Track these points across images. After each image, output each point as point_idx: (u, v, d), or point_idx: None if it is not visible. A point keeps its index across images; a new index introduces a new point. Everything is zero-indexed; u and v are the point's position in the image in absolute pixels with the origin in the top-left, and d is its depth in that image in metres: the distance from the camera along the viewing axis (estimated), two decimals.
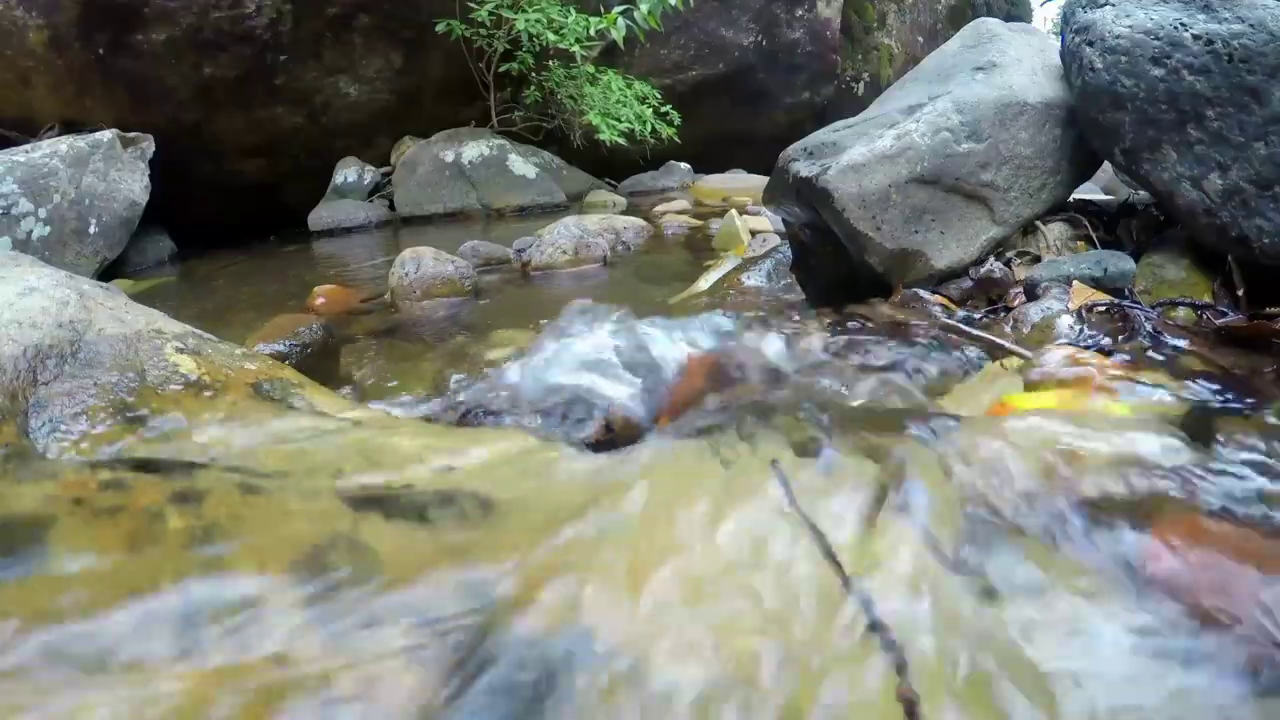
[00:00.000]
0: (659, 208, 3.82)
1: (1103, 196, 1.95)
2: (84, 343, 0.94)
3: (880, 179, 1.39)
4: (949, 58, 1.66)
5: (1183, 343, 1.10)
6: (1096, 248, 1.46)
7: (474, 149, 4.65)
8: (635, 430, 1.05)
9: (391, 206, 4.57)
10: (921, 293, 1.41)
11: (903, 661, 0.51)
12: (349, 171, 4.77)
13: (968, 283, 1.44)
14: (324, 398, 1.04)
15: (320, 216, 4.40)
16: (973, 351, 1.20)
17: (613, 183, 5.15)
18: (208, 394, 0.93)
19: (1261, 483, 0.70)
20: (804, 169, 1.46)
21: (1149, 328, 1.15)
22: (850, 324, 1.34)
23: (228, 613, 0.52)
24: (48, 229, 3.24)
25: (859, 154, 1.41)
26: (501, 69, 4.73)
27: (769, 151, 1.96)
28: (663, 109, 5.04)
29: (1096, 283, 1.31)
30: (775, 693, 0.50)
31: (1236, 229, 1.18)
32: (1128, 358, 1.06)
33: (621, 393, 1.13)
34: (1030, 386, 1.01)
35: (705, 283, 2.14)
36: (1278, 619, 0.54)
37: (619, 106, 4.81)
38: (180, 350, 1.00)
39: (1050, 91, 1.50)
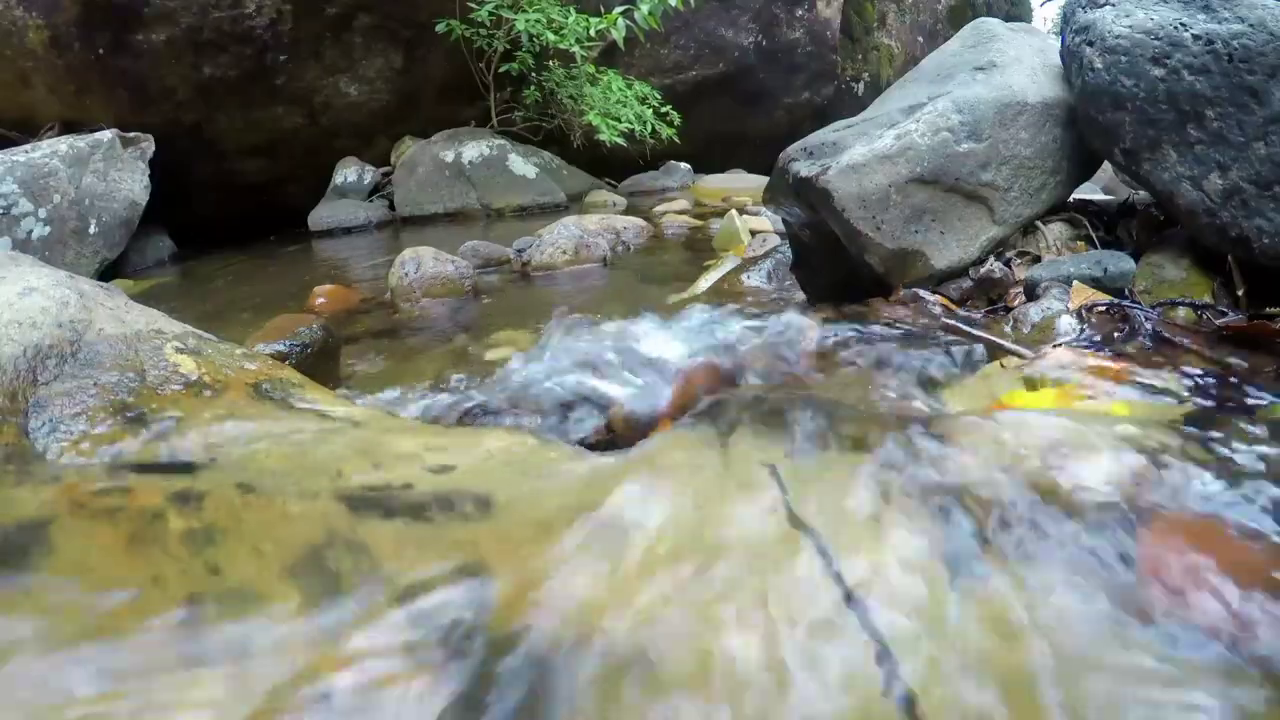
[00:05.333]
0: (659, 208, 3.82)
1: (1103, 196, 1.95)
2: (84, 343, 0.94)
3: (880, 179, 1.39)
4: (949, 58, 1.66)
5: (1183, 343, 1.10)
6: (1096, 248, 1.46)
7: (474, 149, 4.65)
8: (635, 430, 1.05)
9: (391, 206, 4.57)
10: (921, 293, 1.41)
11: (894, 665, 0.51)
12: (349, 171, 4.77)
13: (968, 283, 1.44)
14: (324, 398, 1.04)
15: (320, 216, 4.40)
16: (973, 351, 1.20)
17: (613, 183, 5.15)
18: (208, 394, 0.93)
19: (1261, 484, 0.70)
20: (804, 169, 1.46)
21: (1149, 328, 1.15)
22: (850, 324, 1.34)
23: (228, 613, 0.52)
24: (48, 229, 3.24)
25: (859, 154, 1.41)
26: (501, 69, 4.73)
27: (769, 151, 1.96)
28: (663, 109, 5.04)
29: (1096, 283, 1.31)
30: (767, 691, 0.50)
31: (1237, 229, 1.18)
32: (1128, 358, 1.06)
33: (621, 393, 1.13)
34: (1030, 386, 1.01)
35: (705, 283, 2.14)
36: (1271, 619, 0.54)
37: (619, 107, 4.81)
38: (180, 350, 1.00)
39: (1050, 91, 1.50)
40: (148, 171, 3.75)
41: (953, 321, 1.31)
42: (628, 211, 3.77)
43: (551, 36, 4.43)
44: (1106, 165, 1.60)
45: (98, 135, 3.61)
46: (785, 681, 0.50)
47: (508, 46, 4.62)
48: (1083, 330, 1.20)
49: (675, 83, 5.58)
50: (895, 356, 1.18)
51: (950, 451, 0.74)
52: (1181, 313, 1.21)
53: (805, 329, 1.33)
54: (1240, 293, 1.22)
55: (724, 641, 0.53)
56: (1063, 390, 0.96)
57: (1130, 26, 1.28)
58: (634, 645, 0.52)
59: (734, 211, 2.97)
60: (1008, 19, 2.29)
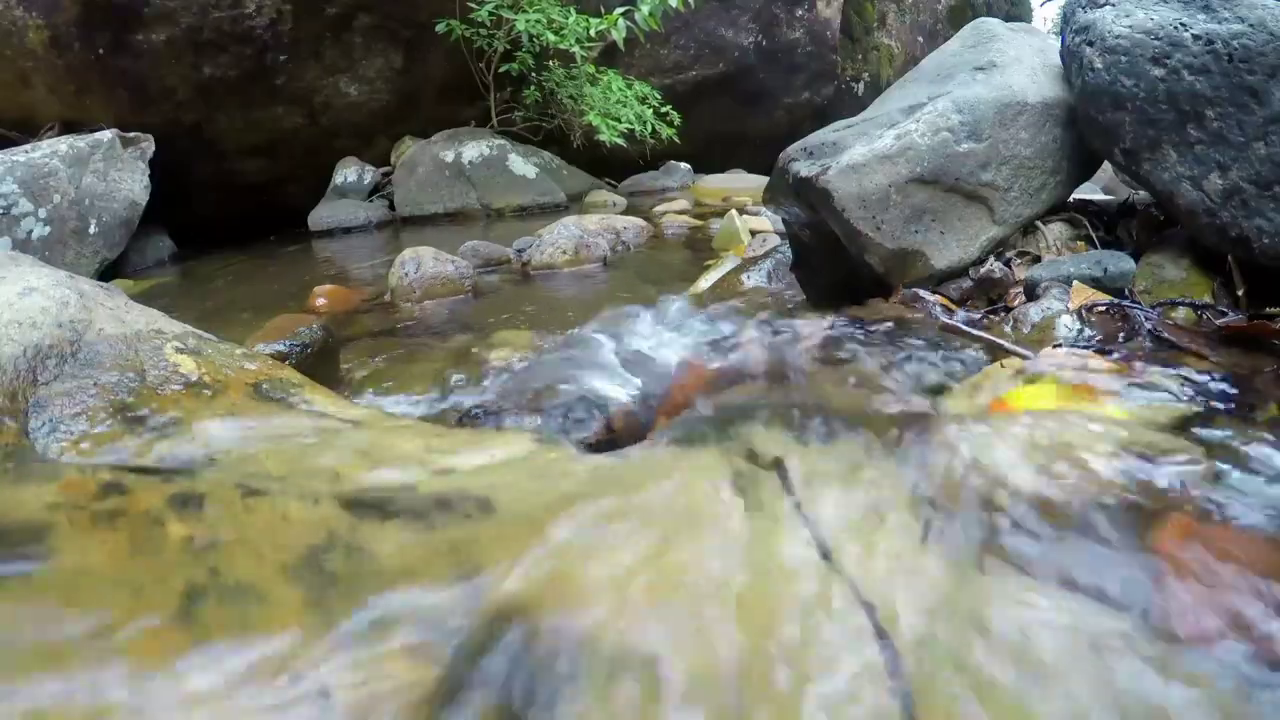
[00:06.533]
0: (659, 208, 3.82)
1: (1103, 196, 1.95)
2: (84, 343, 0.94)
3: (880, 179, 1.39)
4: (949, 58, 1.66)
5: (1183, 343, 1.10)
6: (1096, 248, 1.46)
7: (474, 149, 4.65)
8: (636, 430, 1.05)
9: (391, 206, 4.57)
10: (921, 293, 1.41)
11: (897, 662, 0.51)
12: (349, 171, 4.77)
13: (968, 283, 1.44)
14: (324, 398, 1.04)
15: (320, 216, 4.40)
16: (973, 352, 1.20)
17: (613, 183, 5.15)
18: (208, 394, 0.93)
19: (1260, 484, 0.70)
20: (804, 169, 1.46)
21: (1149, 328, 1.15)
22: (850, 324, 1.34)
23: (227, 614, 0.52)
24: (48, 229, 3.24)
25: (859, 154, 1.41)
26: (501, 69, 4.73)
27: (769, 151, 1.96)
28: (663, 109, 5.04)
29: (1096, 283, 1.30)
30: (771, 692, 0.50)
31: (1236, 229, 1.18)
32: (1127, 358, 1.06)
33: (622, 393, 1.13)
34: (1030, 386, 1.01)
35: (705, 283, 2.14)
36: (1276, 621, 0.54)
37: (619, 107, 4.81)
38: (180, 350, 1.00)
39: (1050, 91, 1.50)
40: (148, 171, 3.75)
41: (953, 322, 1.31)
42: (628, 211, 3.77)
43: (551, 37, 4.43)
44: (1106, 165, 1.60)
45: (98, 135, 3.61)
46: (777, 679, 0.51)
47: (508, 46, 4.62)
48: (1083, 330, 1.20)
49: (675, 83, 5.58)
50: (895, 357, 1.18)
51: (950, 452, 0.74)
52: (1181, 313, 1.21)
53: (805, 329, 1.33)
54: (1240, 293, 1.22)
55: (717, 643, 0.53)
56: (1063, 390, 0.96)
57: (1130, 26, 1.28)
58: (633, 646, 0.52)
59: (734, 211, 2.97)
60: (1008, 19, 2.29)
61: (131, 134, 3.77)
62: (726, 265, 2.26)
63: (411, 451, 0.82)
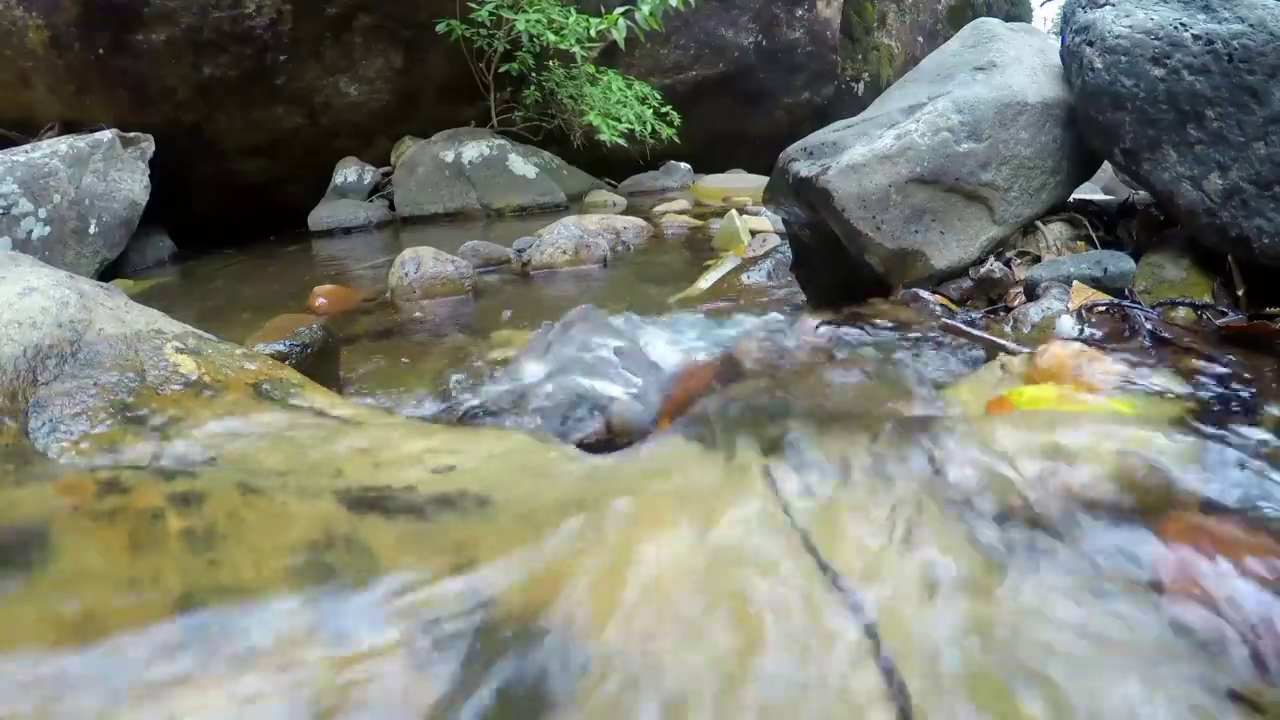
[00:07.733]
0: (659, 208, 3.82)
1: (1103, 196, 1.95)
2: (84, 343, 0.94)
3: (880, 179, 1.39)
4: (949, 58, 1.66)
5: (1183, 342, 1.10)
6: (1096, 248, 1.46)
7: (474, 149, 4.65)
8: (635, 430, 1.05)
9: (391, 206, 4.57)
10: (921, 293, 1.41)
11: (892, 667, 0.51)
12: (349, 171, 4.77)
13: (968, 283, 1.44)
14: (324, 398, 1.04)
15: (320, 216, 4.40)
16: (973, 351, 1.20)
17: (613, 183, 5.15)
18: (208, 394, 0.93)
19: (1261, 482, 0.70)
20: (804, 169, 1.46)
21: (1149, 328, 1.15)
22: (850, 324, 1.34)
23: (228, 613, 0.52)
24: (48, 229, 3.24)
25: (859, 154, 1.41)
26: (501, 69, 4.74)
27: (769, 151, 1.96)
28: (663, 109, 5.04)
29: (1096, 283, 1.31)
30: (764, 694, 0.50)
31: (1236, 229, 1.18)
32: (1127, 357, 1.06)
33: (621, 393, 1.13)
34: (1030, 385, 1.01)
35: (705, 283, 2.14)
36: (1276, 618, 0.54)
37: (619, 107, 4.81)
38: (180, 350, 1.00)
39: (1050, 91, 1.50)
40: (148, 171, 3.75)
41: (952, 321, 1.31)
42: (628, 211, 3.77)
43: (552, 37, 4.43)
44: (1106, 165, 1.60)
45: (98, 135, 3.61)
46: (775, 681, 0.51)
47: (508, 46, 4.63)
48: (1083, 330, 1.20)
49: (675, 83, 5.58)
50: (895, 356, 1.18)
51: (949, 451, 0.74)
52: (1181, 313, 1.21)
53: (805, 329, 1.33)
54: (1240, 293, 1.22)
55: (716, 643, 0.53)
56: (1062, 390, 0.96)
57: (1130, 26, 1.28)
58: (632, 645, 0.52)
59: (734, 211, 2.97)
60: (1008, 19, 2.29)
61: (131, 134, 3.77)
62: (726, 265, 2.26)
63: (411, 450, 0.82)
